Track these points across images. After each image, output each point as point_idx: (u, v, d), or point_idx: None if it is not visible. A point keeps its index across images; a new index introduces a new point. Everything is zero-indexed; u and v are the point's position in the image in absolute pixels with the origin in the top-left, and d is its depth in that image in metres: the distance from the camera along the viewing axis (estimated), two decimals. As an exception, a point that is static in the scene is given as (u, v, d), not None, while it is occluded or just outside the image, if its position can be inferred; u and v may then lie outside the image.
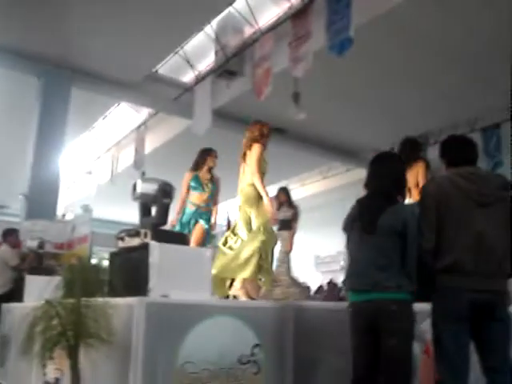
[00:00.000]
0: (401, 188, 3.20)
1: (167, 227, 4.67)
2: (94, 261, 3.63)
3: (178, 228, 5.98)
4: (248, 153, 5.07)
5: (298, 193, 18.25)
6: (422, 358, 4.22)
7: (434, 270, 2.96)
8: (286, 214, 7.81)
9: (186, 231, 5.83)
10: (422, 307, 4.15)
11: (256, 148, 4.99)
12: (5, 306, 5.83)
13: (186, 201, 6.22)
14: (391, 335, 2.84)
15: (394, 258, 2.95)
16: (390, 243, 2.96)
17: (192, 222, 6.12)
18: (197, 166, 6.36)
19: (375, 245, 2.97)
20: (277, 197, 7.92)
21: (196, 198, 6.21)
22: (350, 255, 3.17)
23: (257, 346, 3.40)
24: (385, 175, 3.14)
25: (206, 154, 6.41)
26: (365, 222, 3.04)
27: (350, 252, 3.16)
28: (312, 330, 3.60)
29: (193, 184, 6.21)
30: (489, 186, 2.94)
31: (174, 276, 3.36)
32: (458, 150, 3.15)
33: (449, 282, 2.90)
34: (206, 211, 6.27)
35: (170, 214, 3.79)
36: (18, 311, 5.03)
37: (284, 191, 8.21)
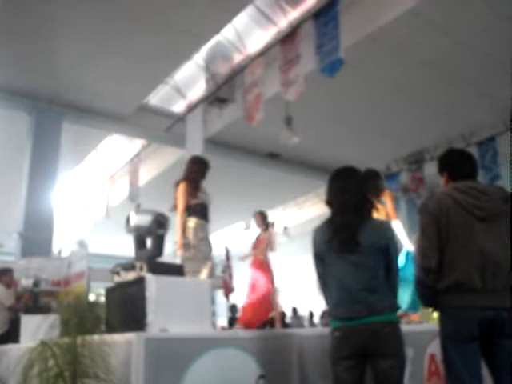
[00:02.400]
0: (371, 202, 3.00)
1: None
2: (91, 297, 3.53)
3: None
4: None
5: (296, 217, 18.26)
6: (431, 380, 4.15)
7: (436, 290, 2.88)
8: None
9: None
10: (429, 327, 4.08)
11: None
12: (0, 347, 5.69)
13: None
14: (387, 358, 2.71)
15: (381, 277, 2.83)
16: (376, 262, 2.82)
17: None
18: None
19: (361, 265, 2.79)
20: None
21: None
22: (332, 280, 2.91)
23: (262, 377, 3.28)
24: (353, 190, 2.94)
25: None
26: (343, 241, 2.81)
27: (332, 276, 2.91)
28: (317, 359, 3.49)
29: None
30: (490, 200, 2.87)
31: (172, 309, 3.26)
32: (457, 164, 3.09)
33: (455, 301, 2.82)
34: None
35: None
36: (13, 353, 4.89)
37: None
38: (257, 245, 7.15)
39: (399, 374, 2.77)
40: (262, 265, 7.02)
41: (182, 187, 5.08)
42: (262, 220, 7.25)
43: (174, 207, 5.13)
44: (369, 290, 2.77)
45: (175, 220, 5.00)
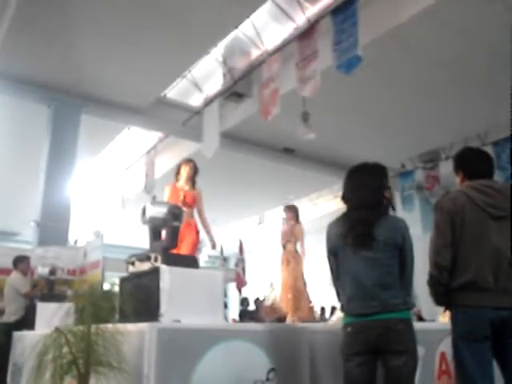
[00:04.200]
0: (388, 198, 3.01)
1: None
2: (105, 286, 3.58)
3: None
4: None
5: (310, 213, 18.23)
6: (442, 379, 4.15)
7: (450, 288, 2.88)
8: None
9: None
10: (441, 326, 4.07)
11: None
12: (16, 334, 5.80)
13: None
14: (400, 355, 2.72)
15: (396, 273, 2.83)
16: (391, 258, 2.82)
17: None
18: None
19: (375, 261, 2.79)
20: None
21: None
22: (345, 276, 2.92)
23: (272, 370, 3.30)
24: (370, 186, 2.96)
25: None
26: (359, 236, 2.82)
27: (346, 272, 2.92)
28: (328, 354, 3.50)
29: None
30: (505, 199, 2.86)
31: (185, 300, 3.29)
32: (473, 163, 3.08)
33: (468, 300, 2.82)
34: None
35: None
36: (28, 339, 4.98)
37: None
38: (187, 202, 5.82)
39: (411, 372, 2.77)
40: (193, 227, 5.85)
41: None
42: (194, 171, 6.06)
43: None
44: (382, 286, 2.78)
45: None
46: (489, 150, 10.07)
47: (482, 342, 2.76)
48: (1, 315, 7.34)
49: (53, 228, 9.67)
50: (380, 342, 2.74)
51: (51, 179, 10.15)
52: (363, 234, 2.83)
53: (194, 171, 6.02)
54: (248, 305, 13.46)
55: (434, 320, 6.62)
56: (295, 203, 18.39)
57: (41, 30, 8.62)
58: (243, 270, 14.83)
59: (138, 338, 2.98)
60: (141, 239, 4.63)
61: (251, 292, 14.41)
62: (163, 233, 3.72)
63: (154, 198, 3.96)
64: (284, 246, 6.83)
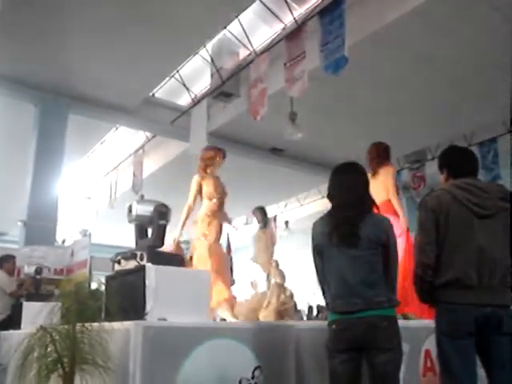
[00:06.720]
0: (371, 197, 3.04)
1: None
2: (93, 285, 3.57)
3: None
4: None
5: (296, 213, 18.27)
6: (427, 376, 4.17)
7: (434, 285, 2.90)
8: None
9: None
10: (425, 324, 4.10)
11: None
12: (2, 333, 5.75)
13: None
14: (384, 352, 2.75)
15: (380, 271, 2.86)
16: (375, 256, 2.85)
17: None
18: None
19: (360, 259, 2.82)
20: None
21: None
22: (331, 274, 2.95)
23: (257, 368, 3.31)
24: (355, 185, 2.99)
25: None
26: (345, 235, 2.84)
27: (331, 270, 2.94)
28: (314, 352, 3.52)
29: None
30: (489, 198, 2.88)
31: (171, 299, 3.29)
32: (457, 162, 3.10)
33: (452, 298, 2.84)
34: None
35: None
36: (14, 338, 4.94)
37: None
38: None
39: (395, 369, 2.81)
40: None
41: None
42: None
43: None
44: (366, 284, 2.81)
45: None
46: (474, 150, 10.14)
47: (465, 338, 2.79)
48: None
49: (40, 227, 9.63)
50: (364, 339, 2.77)
51: (38, 178, 10.10)
52: (348, 233, 2.85)
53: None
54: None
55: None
56: (283, 203, 18.39)
57: (28, 29, 8.57)
58: (231, 269, 14.81)
59: (123, 337, 2.98)
60: (129, 239, 4.62)
61: (239, 291, 14.40)
62: (149, 231, 3.72)
63: (142, 197, 3.95)
64: None
